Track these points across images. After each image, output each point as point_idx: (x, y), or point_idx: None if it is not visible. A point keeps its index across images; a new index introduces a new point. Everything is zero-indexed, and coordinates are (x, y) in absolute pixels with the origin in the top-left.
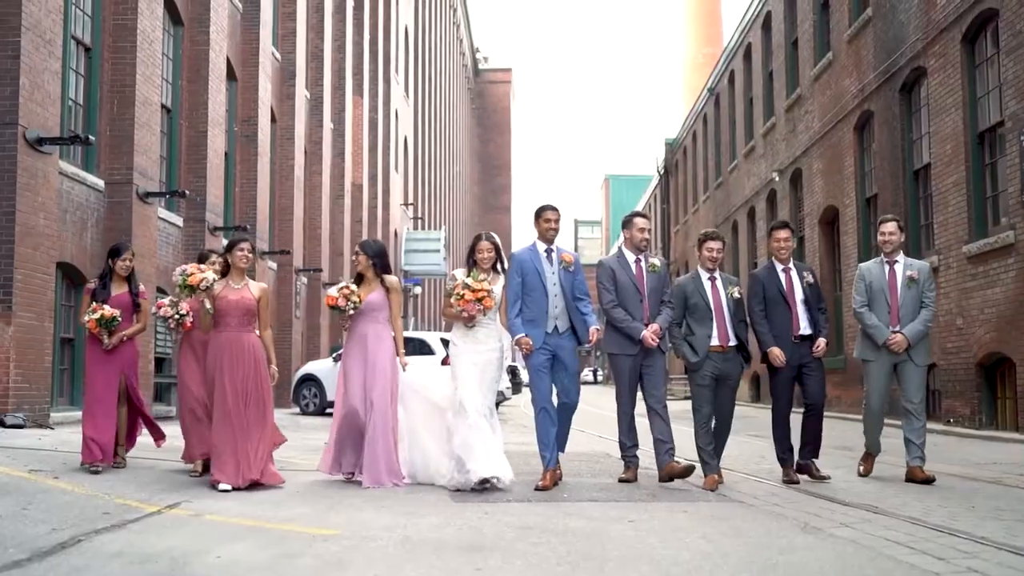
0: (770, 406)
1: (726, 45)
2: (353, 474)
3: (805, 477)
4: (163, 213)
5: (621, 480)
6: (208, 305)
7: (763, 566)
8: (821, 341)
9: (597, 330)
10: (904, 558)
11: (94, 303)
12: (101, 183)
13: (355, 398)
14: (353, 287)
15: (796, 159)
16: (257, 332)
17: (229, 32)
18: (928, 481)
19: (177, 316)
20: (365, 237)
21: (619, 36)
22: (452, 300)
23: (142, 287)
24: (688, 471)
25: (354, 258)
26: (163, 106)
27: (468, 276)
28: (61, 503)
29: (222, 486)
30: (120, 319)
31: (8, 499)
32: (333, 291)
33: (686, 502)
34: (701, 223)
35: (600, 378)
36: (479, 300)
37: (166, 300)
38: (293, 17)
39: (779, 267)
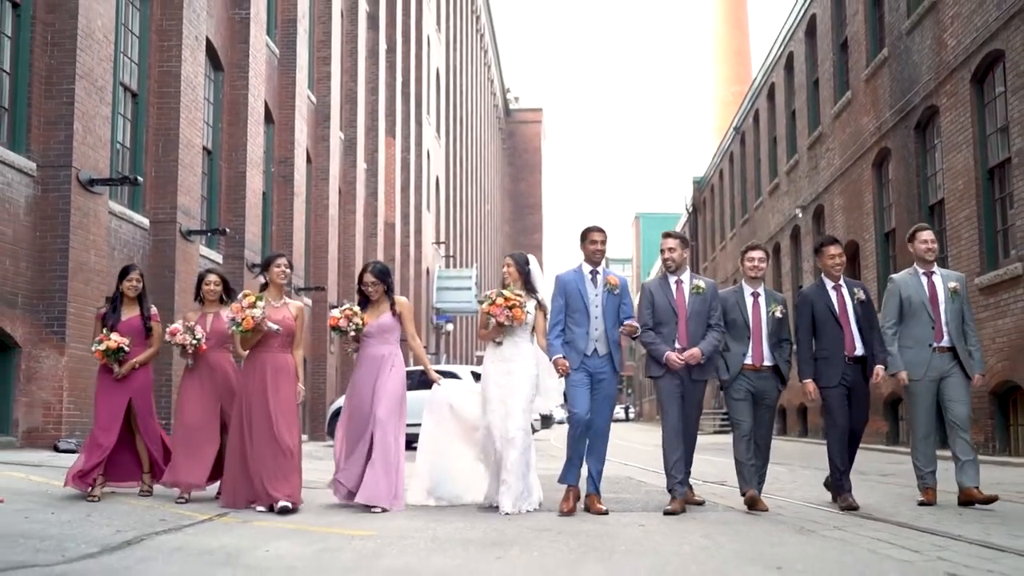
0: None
1: (751, 84)
2: (354, 493)
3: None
4: (204, 250)
5: (667, 512)
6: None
7: (753, 556)
8: (879, 369)
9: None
10: (883, 551)
11: (103, 330)
12: (146, 222)
13: (360, 417)
14: (356, 309)
15: (818, 196)
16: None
17: (267, 76)
18: (989, 500)
19: (194, 341)
20: (396, 275)
21: (649, 75)
22: (484, 306)
23: (154, 309)
24: (698, 504)
25: (372, 288)
26: (204, 148)
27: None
28: (121, 511)
29: (283, 503)
30: (128, 348)
31: (72, 508)
32: (336, 312)
33: (696, 511)
34: (729, 260)
35: (631, 415)
36: (510, 308)
37: (178, 326)
38: (328, 61)
39: (829, 284)
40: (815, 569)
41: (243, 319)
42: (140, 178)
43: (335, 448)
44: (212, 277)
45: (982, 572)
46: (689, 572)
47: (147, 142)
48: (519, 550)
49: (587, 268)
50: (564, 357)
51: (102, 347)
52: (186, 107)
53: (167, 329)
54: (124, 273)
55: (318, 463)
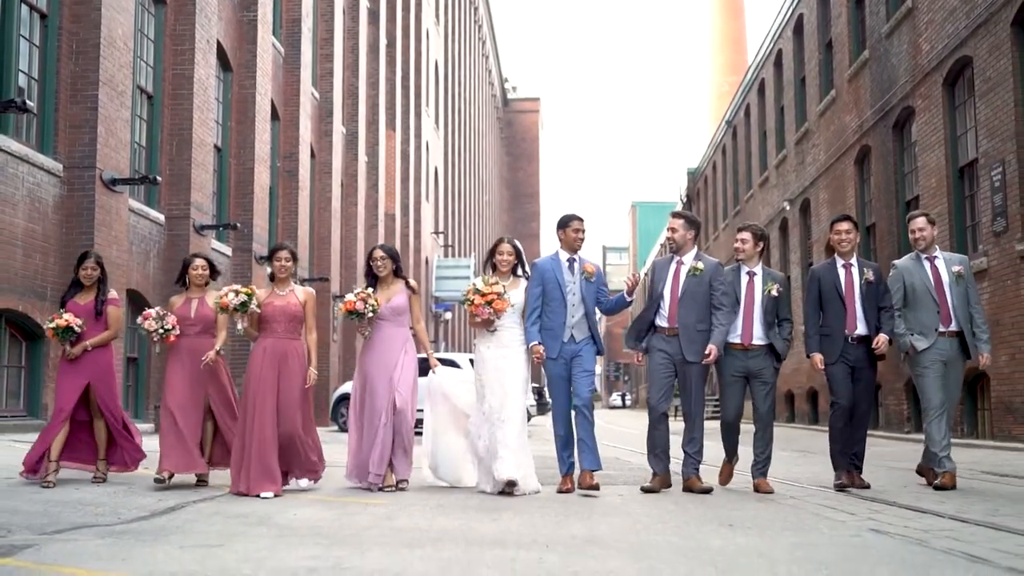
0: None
1: (743, 79)
2: (380, 485)
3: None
4: (215, 244)
5: (644, 489)
6: (240, 326)
7: (711, 518)
8: (882, 337)
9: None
10: (825, 514)
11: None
12: (162, 217)
13: (382, 400)
14: (370, 291)
15: (805, 190)
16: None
17: (272, 75)
18: (941, 488)
19: (161, 330)
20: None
21: (646, 65)
22: (465, 307)
23: (112, 294)
24: (705, 491)
25: (380, 263)
26: (215, 146)
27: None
28: (156, 485)
29: (264, 494)
30: (80, 329)
31: (112, 484)
32: (351, 296)
33: (674, 485)
34: (722, 249)
35: (628, 402)
36: (489, 303)
37: (152, 311)
38: (331, 58)
39: (840, 263)
40: (760, 526)
41: (220, 298)
42: (159, 178)
43: (349, 438)
44: (200, 261)
45: (900, 528)
46: (655, 529)
47: (162, 142)
48: (512, 513)
49: (564, 256)
50: (540, 344)
51: (52, 324)
52: (199, 108)
53: (142, 312)
54: (80, 260)
55: (325, 447)
